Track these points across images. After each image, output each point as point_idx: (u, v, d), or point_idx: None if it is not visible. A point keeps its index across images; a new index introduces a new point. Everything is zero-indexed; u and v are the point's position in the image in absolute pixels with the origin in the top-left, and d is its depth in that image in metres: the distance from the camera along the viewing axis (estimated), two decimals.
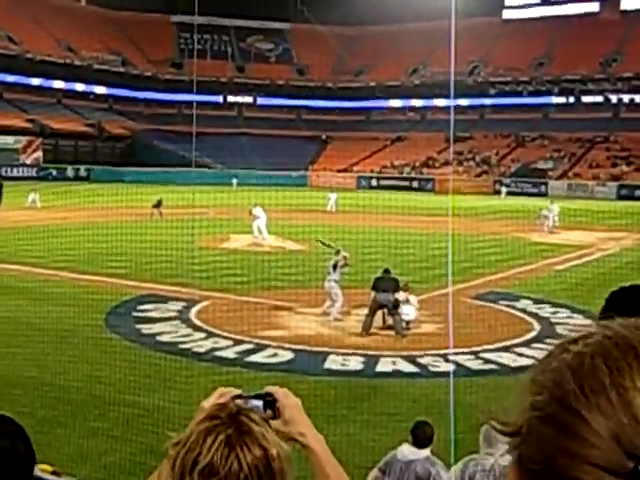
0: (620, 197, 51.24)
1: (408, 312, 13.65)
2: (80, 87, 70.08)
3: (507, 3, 79.89)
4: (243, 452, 1.29)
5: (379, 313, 13.33)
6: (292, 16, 78.03)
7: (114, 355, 11.12)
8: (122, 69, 74.84)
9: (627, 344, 0.57)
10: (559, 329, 12.96)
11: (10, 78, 63.91)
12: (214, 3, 63.63)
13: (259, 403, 1.53)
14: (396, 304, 12.92)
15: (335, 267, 14.11)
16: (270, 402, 1.55)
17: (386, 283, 12.98)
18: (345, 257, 14.55)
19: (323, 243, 16.56)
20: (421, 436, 5.35)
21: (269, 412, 1.53)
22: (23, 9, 69.07)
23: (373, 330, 13.02)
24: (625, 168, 57.71)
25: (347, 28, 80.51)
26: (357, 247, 19.08)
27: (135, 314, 13.92)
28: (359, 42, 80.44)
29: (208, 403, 1.48)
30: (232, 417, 1.34)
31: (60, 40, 70.60)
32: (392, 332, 13.04)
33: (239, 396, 1.51)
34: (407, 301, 13.92)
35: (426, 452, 5.31)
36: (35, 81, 65.97)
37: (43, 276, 17.32)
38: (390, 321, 13.26)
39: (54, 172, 55.44)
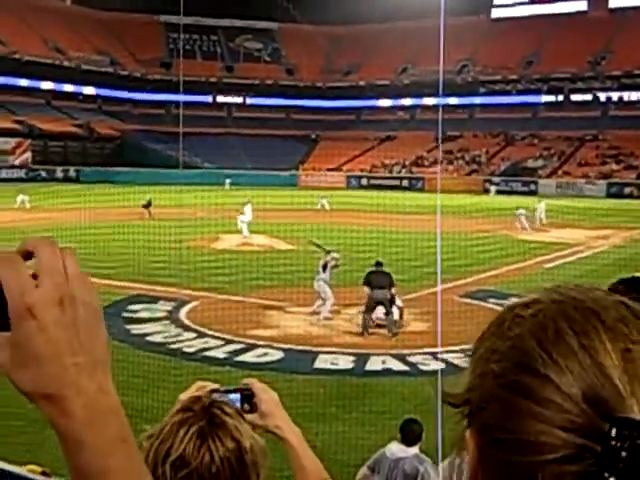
0: (609, 195, 51.51)
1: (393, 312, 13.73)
2: (69, 88, 69.88)
3: (496, 2, 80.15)
4: (215, 444, 1.29)
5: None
6: (281, 16, 77.88)
7: None
8: (110, 69, 74.64)
9: (585, 307, 0.58)
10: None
11: None
12: (202, 3, 63.63)
13: (237, 397, 1.54)
14: (392, 300, 12.88)
15: (325, 267, 14.14)
16: (248, 396, 1.56)
17: (381, 278, 12.93)
18: (335, 258, 14.58)
19: (316, 244, 16.57)
20: (410, 434, 5.38)
21: (246, 406, 1.54)
22: (9, 10, 68.77)
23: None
24: (614, 166, 58.01)
25: (336, 27, 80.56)
26: (347, 246, 19.12)
27: (125, 314, 13.90)
28: (348, 41, 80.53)
29: (185, 395, 1.48)
30: (205, 409, 1.34)
31: (48, 41, 70.37)
32: (382, 330, 13.03)
33: (217, 390, 1.52)
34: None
35: (414, 450, 5.33)
36: (23, 82, 65.74)
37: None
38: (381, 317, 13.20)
39: (43, 173, 55.31)
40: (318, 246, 16.29)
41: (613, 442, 0.50)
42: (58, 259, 0.60)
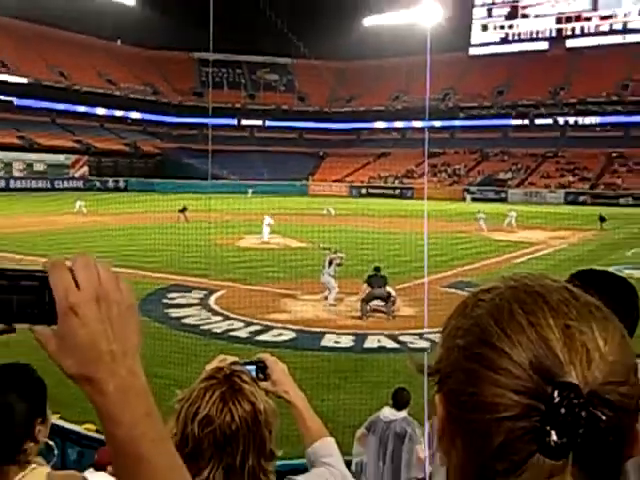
0: (567, 202, 51.18)
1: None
2: (118, 113, 70.01)
3: (473, 42, 79.76)
4: (235, 406, 1.30)
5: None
6: (294, 53, 77.98)
7: (146, 334, 11.12)
8: (153, 97, 74.78)
9: (534, 291, 0.58)
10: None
11: (61, 106, 63.87)
12: (229, 41, 63.65)
13: (252, 368, 1.55)
14: (389, 295, 12.95)
15: (330, 263, 14.06)
16: (262, 367, 1.58)
17: (378, 280, 13.00)
18: (340, 257, 14.53)
19: (324, 248, 16.47)
20: (400, 400, 5.36)
21: (260, 375, 1.55)
22: (70, 49, 69.16)
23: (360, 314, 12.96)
24: (571, 178, 57.77)
25: (340, 63, 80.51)
26: (349, 244, 19.09)
27: (164, 301, 13.92)
28: (350, 74, 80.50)
29: (210, 366, 1.48)
30: (227, 377, 1.35)
31: (102, 74, 70.61)
32: (377, 315, 12.98)
33: (236, 362, 1.52)
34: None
35: (404, 413, 5.31)
36: (81, 108, 65.91)
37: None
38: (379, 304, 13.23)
39: (97, 184, 55.45)
40: (326, 248, 16.25)
41: (554, 402, 0.51)
42: (92, 267, 0.62)
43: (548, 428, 0.50)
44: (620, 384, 0.53)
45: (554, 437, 0.50)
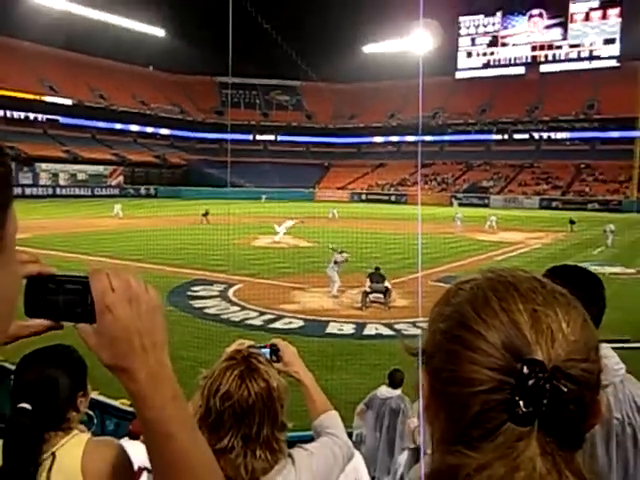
0: (541, 207, 50.93)
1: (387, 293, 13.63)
2: (149, 129, 70.18)
3: (459, 67, 79.47)
4: (251, 383, 1.31)
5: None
6: (302, 76, 78.02)
7: (173, 322, 11.10)
8: (180, 116, 74.89)
9: (506, 281, 0.58)
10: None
11: (100, 124, 64.15)
12: (246, 67, 63.75)
13: (267, 351, 1.55)
14: (386, 289, 12.89)
15: (336, 262, 14.01)
16: (275, 350, 1.58)
17: (378, 277, 12.97)
18: (344, 257, 14.44)
19: (333, 249, 16.28)
20: (395, 380, 5.33)
21: (274, 357, 1.55)
22: (109, 74, 69.43)
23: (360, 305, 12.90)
24: (545, 186, 57.49)
25: (342, 85, 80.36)
26: (351, 243, 19.01)
27: (188, 293, 13.84)
28: (351, 95, 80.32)
29: (230, 349, 1.49)
30: (244, 358, 1.35)
31: (135, 96, 70.82)
32: (375, 306, 12.88)
33: (252, 346, 1.53)
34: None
35: (398, 392, 5.28)
36: (118, 125, 66.13)
37: (123, 266, 17.32)
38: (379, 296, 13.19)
39: (131, 191, 55.60)
40: (334, 249, 16.19)
41: (523, 376, 0.51)
42: (124, 275, 0.66)
43: (517, 399, 0.51)
44: (581, 361, 0.53)
45: (522, 407, 0.50)
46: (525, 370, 0.51)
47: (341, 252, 14.72)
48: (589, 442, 1.57)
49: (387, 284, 12.99)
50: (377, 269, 13.42)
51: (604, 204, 49.12)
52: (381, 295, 12.99)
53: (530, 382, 0.51)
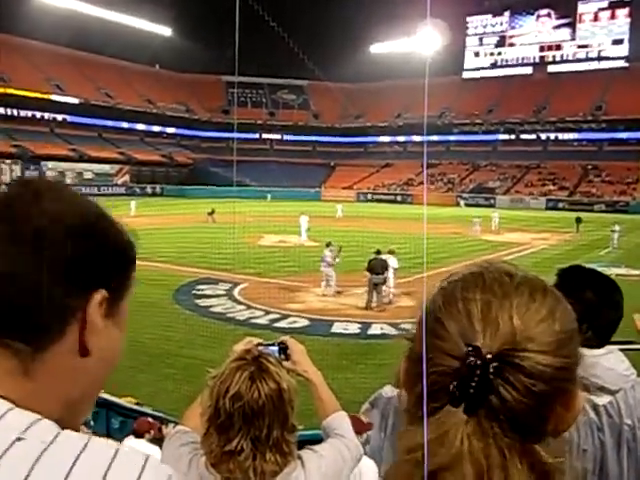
0: (548, 208, 50.64)
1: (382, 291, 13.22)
2: (156, 128, 70.34)
3: (466, 66, 79.26)
4: (262, 385, 1.30)
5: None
6: (309, 75, 78.01)
7: (179, 321, 11.14)
8: (186, 115, 75.05)
9: (477, 273, 0.61)
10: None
11: (107, 122, 64.28)
12: (253, 67, 63.77)
13: (275, 349, 1.54)
14: (384, 282, 12.55)
15: (323, 259, 13.71)
16: (283, 348, 1.56)
17: (377, 264, 12.49)
18: (336, 253, 13.90)
19: (327, 244, 15.65)
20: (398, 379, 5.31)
21: (282, 356, 1.54)
22: (115, 72, 69.70)
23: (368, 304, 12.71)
24: (551, 187, 57.18)
25: (349, 84, 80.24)
26: (357, 242, 18.95)
27: (194, 292, 13.85)
28: (358, 94, 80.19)
29: (238, 347, 1.48)
30: (255, 359, 1.35)
31: (142, 95, 71.00)
32: (380, 306, 12.68)
33: (261, 343, 1.52)
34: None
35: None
36: (124, 124, 66.31)
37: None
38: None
39: (137, 190, 55.73)
40: (328, 245, 15.53)
41: (468, 360, 0.53)
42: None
43: (454, 382, 0.53)
44: (531, 351, 0.54)
45: (454, 389, 0.53)
46: (466, 355, 0.54)
47: (328, 245, 14.32)
48: (599, 449, 1.55)
49: (388, 273, 12.43)
50: (377, 253, 12.88)
51: (611, 205, 48.88)
52: (385, 288, 12.55)
53: (465, 367, 0.53)
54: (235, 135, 64.60)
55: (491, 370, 0.52)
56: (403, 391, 0.62)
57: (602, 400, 1.55)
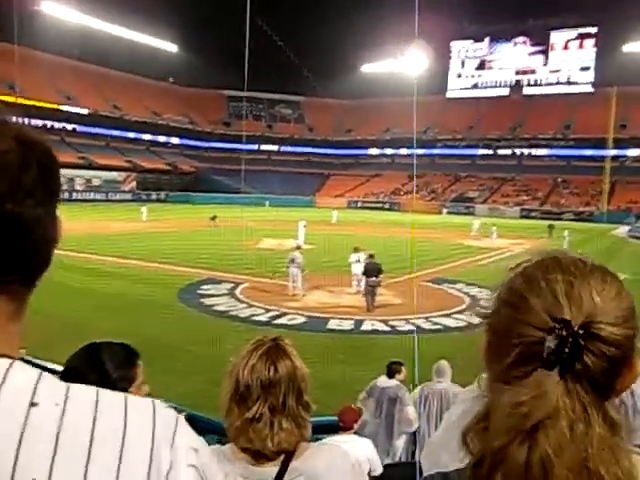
0: (522, 217, 51.21)
1: (357, 272, 13.07)
2: (161, 139, 70.10)
3: (449, 87, 79.90)
4: (278, 360, 1.32)
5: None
6: (305, 91, 78.35)
7: (184, 318, 11.11)
8: (190, 126, 74.90)
9: (552, 259, 0.65)
10: (482, 302, 12.80)
11: (115, 132, 63.87)
12: (253, 82, 63.84)
13: None
14: (379, 284, 12.39)
15: (293, 260, 13.35)
16: None
17: (371, 268, 12.35)
18: (295, 256, 13.57)
19: (297, 247, 15.06)
20: (390, 371, 5.39)
21: None
22: (124, 86, 69.46)
23: (359, 303, 12.63)
24: (525, 198, 57.88)
25: (342, 101, 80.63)
26: (348, 246, 19.05)
27: (199, 292, 13.75)
28: (350, 110, 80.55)
29: None
30: (273, 340, 1.38)
31: (148, 107, 70.79)
32: (378, 302, 12.49)
33: None
34: (358, 261, 13.47)
35: (396, 381, 5.36)
36: (131, 134, 65.96)
37: (132, 265, 17.28)
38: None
39: (144, 196, 55.39)
40: (298, 247, 15.06)
41: (553, 332, 0.58)
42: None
43: (551, 345, 0.58)
44: (610, 324, 0.59)
45: (549, 355, 0.58)
46: (555, 326, 0.58)
47: (297, 248, 14.15)
48: None
49: (380, 277, 12.21)
50: (371, 257, 12.65)
51: (578, 214, 50.05)
52: (372, 293, 12.28)
53: (558, 336, 0.58)
54: (243, 146, 64.57)
55: (580, 340, 0.57)
56: (484, 359, 0.66)
57: None
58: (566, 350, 0.57)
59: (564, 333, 0.57)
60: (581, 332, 0.58)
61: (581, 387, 0.57)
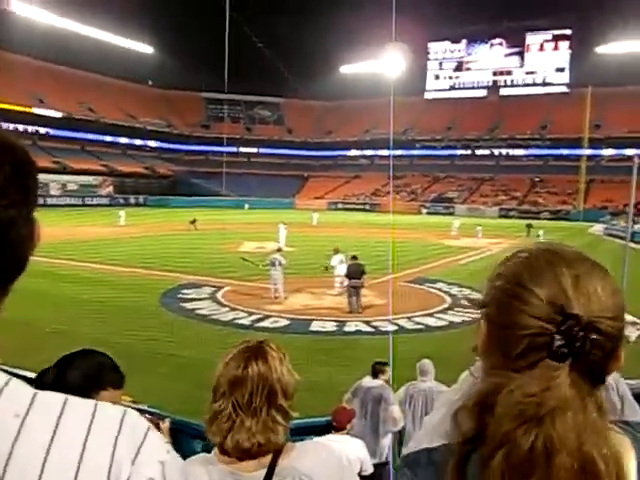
0: (500, 216, 51.97)
1: (340, 273, 13.13)
2: (138, 142, 69.22)
3: (427, 88, 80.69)
4: (250, 360, 1.31)
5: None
6: (284, 93, 78.32)
7: (167, 323, 11.01)
8: (167, 129, 74.13)
9: (556, 251, 0.66)
10: (462, 301, 12.94)
11: (90, 136, 62.84)
12: (231, 84, 63.51)
13: None
14: (362, 286, 12.40)
15: (274, 264, 13.27)
16: None
17: (354, 269, 12.28)
18: (282, 256, 13.57)
19: (246, 260, 15.21)
20: (377, 371, 5.43)
21: None
22: (100, 88, 68.43)
23: (342, 305, 12.60)
24: (503, 197, 58.76)
25: (321, 102, 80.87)
26: (328, 247, 19.10)
27: (179, 296, 13.64)
28: (330, 112, 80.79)
29: None
30: (258, 342, 1.38)
31: (124, 109, 69.87)
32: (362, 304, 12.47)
33: None
34: (342, 262, 13.55)
35: (380, 381, 5.39)
36: (107, 138, 65.00)
37: (111, 271, 17.04)
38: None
39: (121, 200, 54.57)
40: (247, 260, 15.14)
41: (563, 325, 0.60)
42: None
43: (557, 342, 0.59)
44: (609, 319, 0.61)
45: (560, 348, 0.59)
46: (566, 321, 0.59)
47: (279, 249, 14.07)
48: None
49: (364, 278, 12.12)
50: (354, 258, 12.56)
51: (555, 213, 51.12)
52: (356, 295, 12.19)
53: (568, 330, 0.59)
54: (224, 149, 63.95)
55: (588, 334, 0.59)
56: (482, 349, 0.67)
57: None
58: (577, 344, 0.59)
59: (575, 328, 0.59)
60: (590, 327, 0.60)
61: (583, 378, 0.60)
